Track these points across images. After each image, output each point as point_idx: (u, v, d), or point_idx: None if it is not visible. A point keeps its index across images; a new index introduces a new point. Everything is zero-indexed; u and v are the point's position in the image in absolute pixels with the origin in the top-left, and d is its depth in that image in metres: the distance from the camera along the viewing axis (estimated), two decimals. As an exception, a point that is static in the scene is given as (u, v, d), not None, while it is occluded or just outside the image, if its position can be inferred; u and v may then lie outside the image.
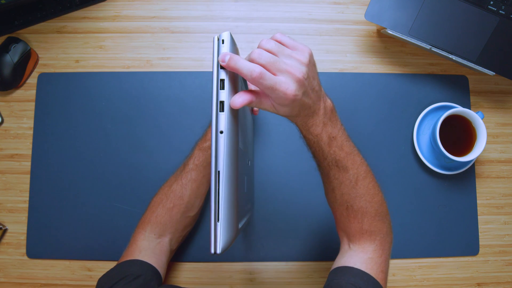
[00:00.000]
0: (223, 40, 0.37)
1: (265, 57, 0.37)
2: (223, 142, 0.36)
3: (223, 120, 0.36)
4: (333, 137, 0.44)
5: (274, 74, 0.37)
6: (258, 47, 0.38)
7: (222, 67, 0.37)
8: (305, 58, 0.39)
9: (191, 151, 0.61)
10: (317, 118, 0.42)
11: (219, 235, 0.35)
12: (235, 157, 0.38)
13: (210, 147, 0.59)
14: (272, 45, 0.38)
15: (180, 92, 0.71)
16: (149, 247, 0.57)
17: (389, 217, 0.52)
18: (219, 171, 0.36)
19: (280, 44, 0.39)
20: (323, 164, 0.47)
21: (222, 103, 0.36)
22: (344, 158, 0.45)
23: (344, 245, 0.52)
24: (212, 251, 0.35)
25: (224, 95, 0.37)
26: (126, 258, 0.55)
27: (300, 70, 0.38)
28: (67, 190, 0.69)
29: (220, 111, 0.36)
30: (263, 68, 0.36)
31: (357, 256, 0.49)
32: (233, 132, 0.37)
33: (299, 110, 0.40)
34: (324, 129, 0.43)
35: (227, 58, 0.36)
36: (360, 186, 0.47)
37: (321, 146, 0.44)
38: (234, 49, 0.38)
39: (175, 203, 0.59)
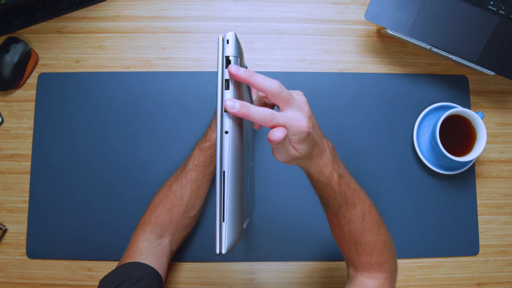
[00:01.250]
0: (228, 40, 0.37)
1: (285, 92, 0.37)
2: (228, 142, 0.36)
3: (228, 120, 0.36)
4: (341, 175, 0.45)
5: (283, 110, 0.38)
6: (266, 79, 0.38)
7: (226, 66, 0.37)
8: (303, 96, 0.40)
9: (191, 151, 0.61)
10: (326, 156, 0.43)
11: (224, 235, 0.35)
12: (240, 157, 0.38)
13: (210, 147, 0.59)
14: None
15: (180, 92, 0.71)
16: (149, 249, 0.57)
17: (394, 246, 0.53)
18: (224, 171, 0.36)
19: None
20: (333, 204, 0.47)
21: None
22: (351, 195, 0.46)
23: (352, 273, 0.52)
24: (218, 251, 0.35)
25: (229, 95, 0.37)
26: (127, 260, 0.55)
27: (306, 105, 0.39)
28: (67, 190, 0.69)
29: (225, 111, 0.36)
30: (272, 110, 0.37)
31: (369, 281, 0.49)
32: (237, 132, 0.38)
33: (313, 147, 0.41)
34: (333, 167, 0.44)
35: (237, 105, 0.35)
36: (367, 220, 0.47)
37: (332, 186, 0.44)
38: (239, 49, 0.38)
39: (175, 203, 0.58)
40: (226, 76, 0.37)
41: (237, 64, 0.37)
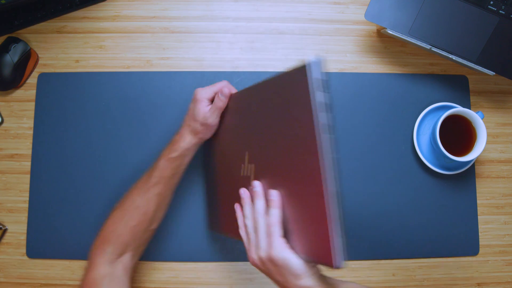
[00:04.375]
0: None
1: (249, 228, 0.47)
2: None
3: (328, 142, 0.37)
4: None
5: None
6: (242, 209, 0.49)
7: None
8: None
9: (157, 161, 0.58)
10: None
11: (342, 248, 0.37)
12: None
13: (177, 159, 0.58)
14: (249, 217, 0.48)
15: (180, 92, 0.71)
16: (109, 272, 0.54)
17: None
18: (339, 192, 0.37)
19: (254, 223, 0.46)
20: None
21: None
22: None
23: None
24: (340, 265, 0.37)
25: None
26: (87, 287, 0.52)
27: (257, 252, 0.45)
28: (67, 190, 0.69)
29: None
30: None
31: None
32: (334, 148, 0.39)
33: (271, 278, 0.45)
34: None
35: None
36: None
37: None
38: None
39: (139, 220, 0.56)
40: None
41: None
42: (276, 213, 0.44)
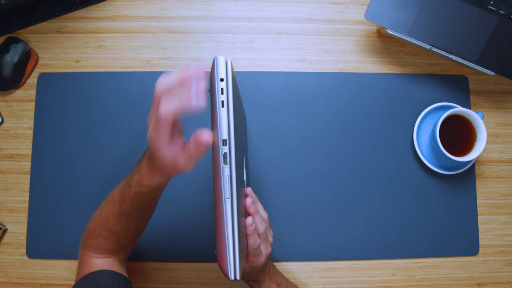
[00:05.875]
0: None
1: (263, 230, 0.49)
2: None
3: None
4: (278, 284, 0.56)
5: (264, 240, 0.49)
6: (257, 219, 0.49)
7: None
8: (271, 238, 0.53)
9: (128, 188, 0.48)
10: (264, 272, 0.54)
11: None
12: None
13: (151, 193, 0.46)
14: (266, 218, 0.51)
15: (180, 92, 0.71)
16: (105, 262, 0.53)
17: None
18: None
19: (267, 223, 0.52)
20: None
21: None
22: None
23: None
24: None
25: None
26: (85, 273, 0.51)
27: (270, 249, 0.52)
28: (67, 190, 0.69)
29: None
30: (260, 244, 0.48)
31: None
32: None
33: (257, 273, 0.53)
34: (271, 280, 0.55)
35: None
36: None
37: None
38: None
39: (118, 235, 0.52)
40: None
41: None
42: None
